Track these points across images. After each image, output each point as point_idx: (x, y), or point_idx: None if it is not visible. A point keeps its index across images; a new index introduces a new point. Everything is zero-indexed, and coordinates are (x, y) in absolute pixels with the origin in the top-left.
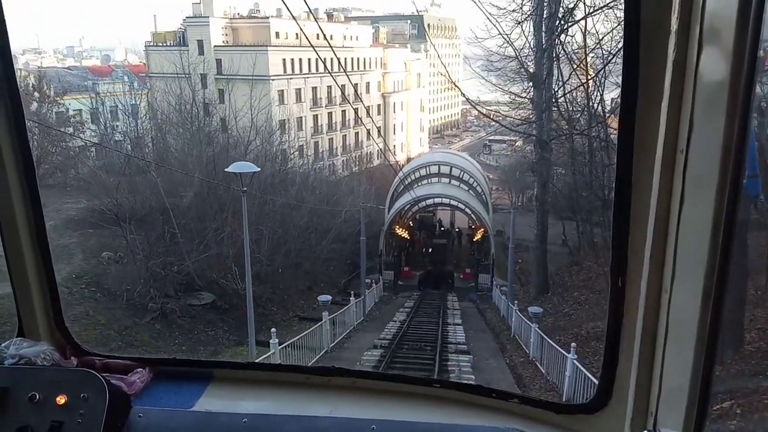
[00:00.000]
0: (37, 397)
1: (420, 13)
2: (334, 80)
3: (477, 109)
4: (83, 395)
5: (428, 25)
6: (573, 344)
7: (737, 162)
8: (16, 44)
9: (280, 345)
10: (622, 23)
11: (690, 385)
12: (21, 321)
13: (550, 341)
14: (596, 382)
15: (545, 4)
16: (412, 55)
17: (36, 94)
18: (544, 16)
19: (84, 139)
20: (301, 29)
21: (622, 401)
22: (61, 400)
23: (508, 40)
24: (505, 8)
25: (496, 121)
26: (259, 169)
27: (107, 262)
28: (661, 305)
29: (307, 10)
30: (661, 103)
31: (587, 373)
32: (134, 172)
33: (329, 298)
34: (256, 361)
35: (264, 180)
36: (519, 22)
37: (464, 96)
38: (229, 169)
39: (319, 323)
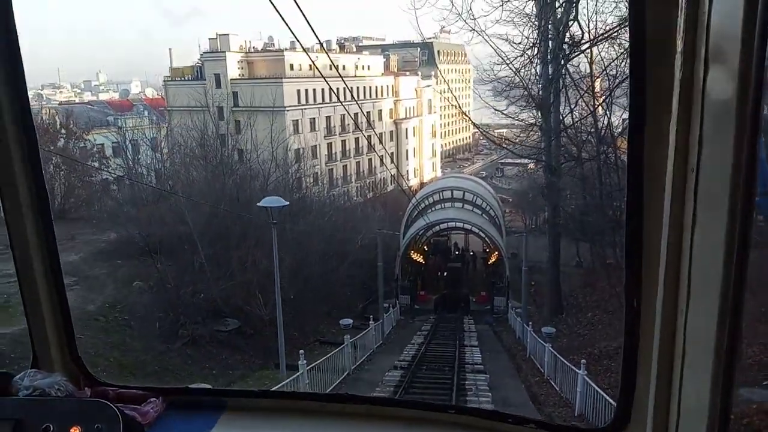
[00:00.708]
0: (52, 428)
1: (429, 41)
2: (346, 109)
3: (487, 137)
4: (97, 426)
5: (438, 51)
6: (583, 361)
7: (749, 180)
8: (36, 79)
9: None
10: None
11: (709, 407)
12: (35, 352)
13: (562, 359)
14: (605, 396)
15: (549, 36)
16: (423, 81)
17: (63, 131)
18: (550, 47)
19: (111, 172)
20: (313, 63)
21: (640, 424)
22: (75, 431)
23: (516, 73)
24: (513, 41)
25: (505, 148)
26: (288, 203)
27: (138, 291)
28: (677, 326)
29: (321, 42)
30: (670, 122)
31: (597, 388)
32: (160, 205)
33: (350, 321)
34: (273, 389)
35: (282, 209)
36: (529, 60)
37: (474, 125)
38: (261, 203)
39: (341, 347)
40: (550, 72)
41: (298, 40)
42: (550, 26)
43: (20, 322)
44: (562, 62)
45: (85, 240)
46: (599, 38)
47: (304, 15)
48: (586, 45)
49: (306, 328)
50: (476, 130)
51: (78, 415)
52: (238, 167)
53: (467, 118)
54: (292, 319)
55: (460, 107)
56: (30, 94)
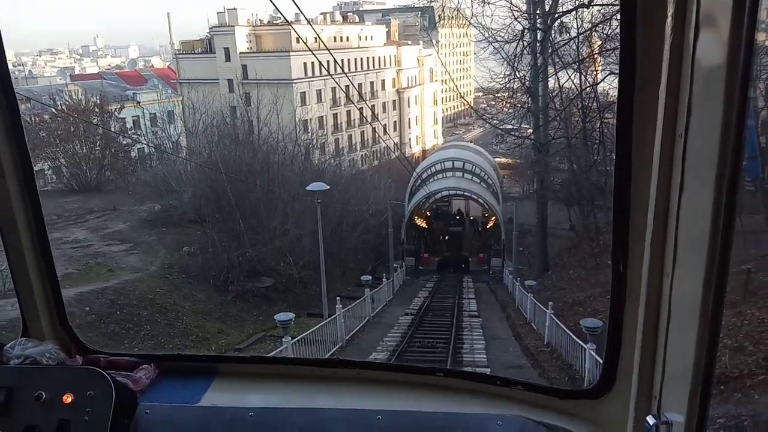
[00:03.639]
0: (44, 396)
1: (430, 4)
2: (335, 83)
3: (475, 111)
4: (89, 393)
5: (438, 16)
6: (550, 303)
7: (736, 145)
8: (32, 45)
9: (331, 316)
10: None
11: (693, 369)
12: (25, 321)
13: (540, 305)
14: (566, 329)
15: (539, 26)
16: (425, 51)
17: (96, 109)
18: (539, 38)
19: (152, 146)
20: (301, 38)
21: (625, 386)
22: (67, 398)
23: (510, 63)
24: (503, 33)
25: (488, 122)
26: (329, 187)
27: (187, 254)
28: (663, 290)
29: (325, 12)
30: (659, 88)
31: (558, 322)
32: (199, 178)
33: (370, 277)
34: (313, 329)
35: (305, 184)
36: (520, 50)
37: (474, 109)
38: (309, 188)
39: (362, 298)
40: (539, 61)
41: (283, 16)
42: (538, 18)
43: (113, 277)
44: (550, 51)
45: (127, 210)
46: (586, 31)
47: None
48: (574, 34)
49: (327, 286)
50: (477, 93)
51: (70, 383)
52: (263, 144)
53: (469, 83)
54: (315, 279)
55: (455, 84)
56: (29, 60)
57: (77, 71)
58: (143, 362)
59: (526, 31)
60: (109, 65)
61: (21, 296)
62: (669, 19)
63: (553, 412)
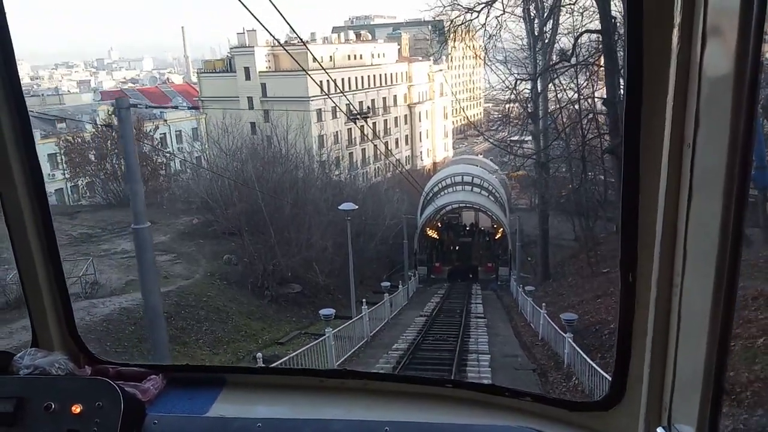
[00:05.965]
0: (53, 406)
1: (440, 18)
2: (337, 103)
3: (485, 137)
4: (98, 404)
5: (448, 30)
6: (543, 304)
7: (745, 155)
8: (48, 59)
9: (357, 316)
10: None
11: (703, 379)
12: (34, 331)
13: (535, 306)
14: (556, 328)
15: (539, 57)
16: (435, 66)
17: (134, 130)
18: (538, 67)
19: (188, 162)
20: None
21: (635, 397)
22: (76, 409)
23: (514, 91)
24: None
25: (495, 144)
26: (357, 207)
27: (226, 263)
28: (672, 300)
29: (338, 27)
30: (666, 98)
31: (550, 321)
32: (232, 194)
33: (388, 284)
34: (335, 330)
35: (327, 200)
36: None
37: (476, 128)
38: (340, 207)
39: (382, 302)
40: (539, 88)
41: (276, 39)
42: (538, 49)
43: (169, 283)
44: (550, 79)
45: (165, 223)
46: (582, 62)
47: (281, 15)
48: (570, 65)
49: (348, 292)
50: (487, 104)
51: (79, 393)
52: (290, 162)
53: (478, 95)
54: (337, 285)
55: (456, 99)
56: (45, 73)
57: (92, 84)
58: (151, 372)
59: (518, 81)
60: (125, 78)
61: (31, 306)
62: (676, 30)
63: (562, 424)
